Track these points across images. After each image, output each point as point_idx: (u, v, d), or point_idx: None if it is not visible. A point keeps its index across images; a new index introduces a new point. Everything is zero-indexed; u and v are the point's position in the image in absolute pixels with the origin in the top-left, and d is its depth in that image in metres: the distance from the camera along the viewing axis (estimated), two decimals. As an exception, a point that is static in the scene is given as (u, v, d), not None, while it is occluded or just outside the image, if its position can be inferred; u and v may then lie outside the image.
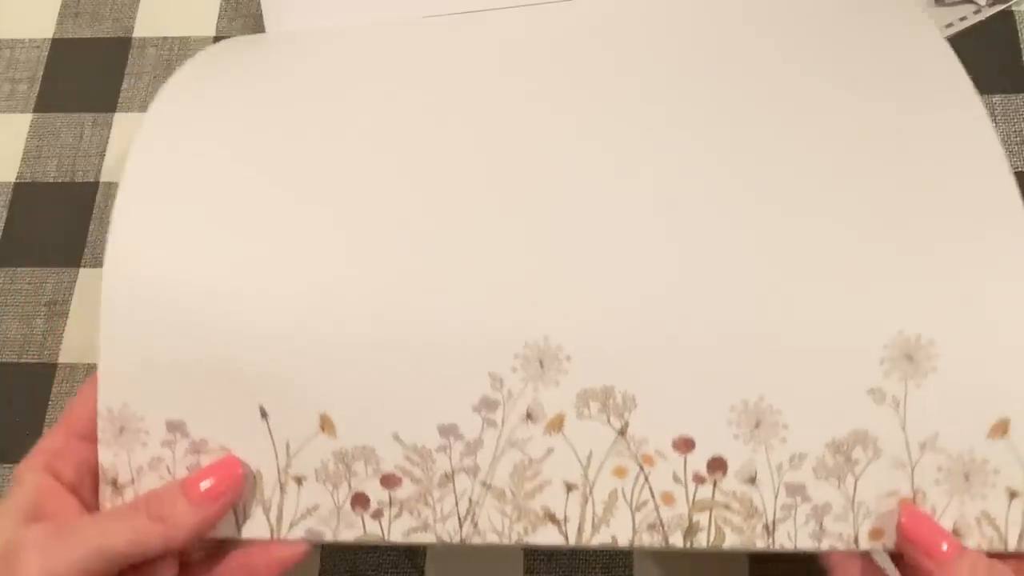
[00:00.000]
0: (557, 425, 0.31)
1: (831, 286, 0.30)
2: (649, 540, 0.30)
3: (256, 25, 0.50)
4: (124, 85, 0.50)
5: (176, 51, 0.51)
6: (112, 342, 0.32)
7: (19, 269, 0.47)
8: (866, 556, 0.30)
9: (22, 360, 0.45)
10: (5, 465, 0.43)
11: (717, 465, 0.30)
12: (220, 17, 0.52)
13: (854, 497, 0.30)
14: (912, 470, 0.30)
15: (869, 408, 0.30)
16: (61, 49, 0.52)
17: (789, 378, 0.30)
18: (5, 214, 0.48)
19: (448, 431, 0.31)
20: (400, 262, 0.32)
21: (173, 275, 0.32)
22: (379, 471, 0.31)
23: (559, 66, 0.36)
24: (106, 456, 0.32)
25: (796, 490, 0.30)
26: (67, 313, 0.46)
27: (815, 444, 0.30)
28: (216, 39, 0.51)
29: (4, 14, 0.53)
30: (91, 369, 0.44)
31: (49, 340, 0.45)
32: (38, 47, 0.52)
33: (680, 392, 0.30)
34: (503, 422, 0.31)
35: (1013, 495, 0.29)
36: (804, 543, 0.30)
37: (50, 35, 0.52)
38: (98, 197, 0.48)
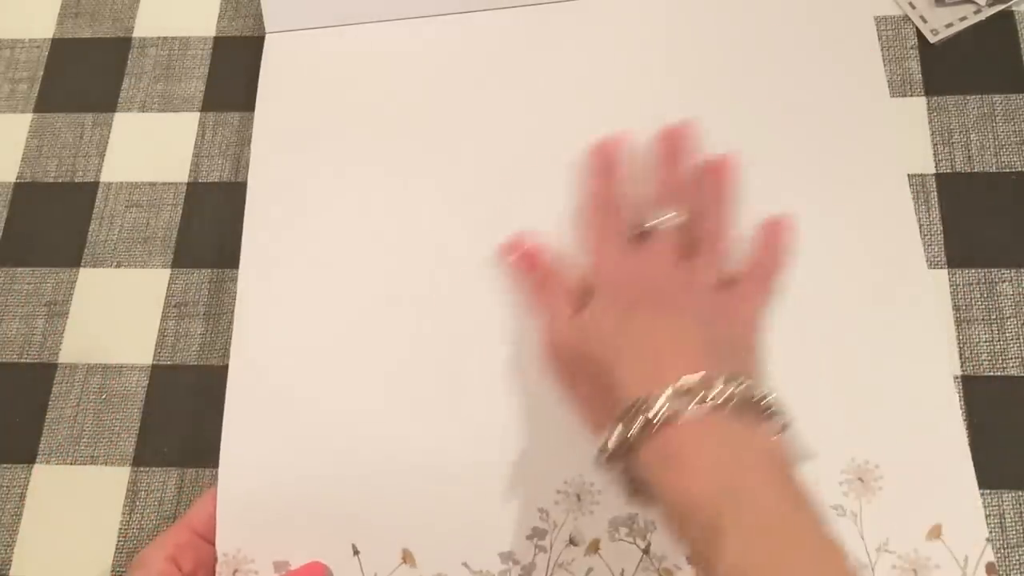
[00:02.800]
0: (594, 547, 0.39)
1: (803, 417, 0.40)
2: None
3: (256, 25, 0.51)
4: (124, 85, 0.51)
5: (176, 51, 0.51)
6: (229, 486, 0.40)
7: (19, 269, 0.47)
8: None
9: (22, 360, 0.45)
10: (5, 465, 0.43)
11: None
12: (220, 17, 0.52)
13: None
14: (873, 569, 0.38)
15: (834, 520, 0.38)
16: (61, 49, 0.52)
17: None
18: (5, 214, 0.48)
19: (507, 557, 0.39)
20: (466, 419, 0.41)
21: (291, 401, 0.41)
22: (452, 594, 0.38)
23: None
24: (217, 595, 0.39)
25: None
26: (67, 313, 0.46)
27: None
28: (216, 39, 0.51)
29: (4, 14, 0.53)
30: (91, 369, 0.44)
31: (49, 340, 0.45)
32: (38, 47, 0.52)
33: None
34: (551, 547, 0.39)
35: (953, 586, 0.38)
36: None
37: (50, 35, 0.52)
38: (98, 197, 0.48)
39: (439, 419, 0.41)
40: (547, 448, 0.40)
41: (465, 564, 0.39)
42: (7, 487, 0.43)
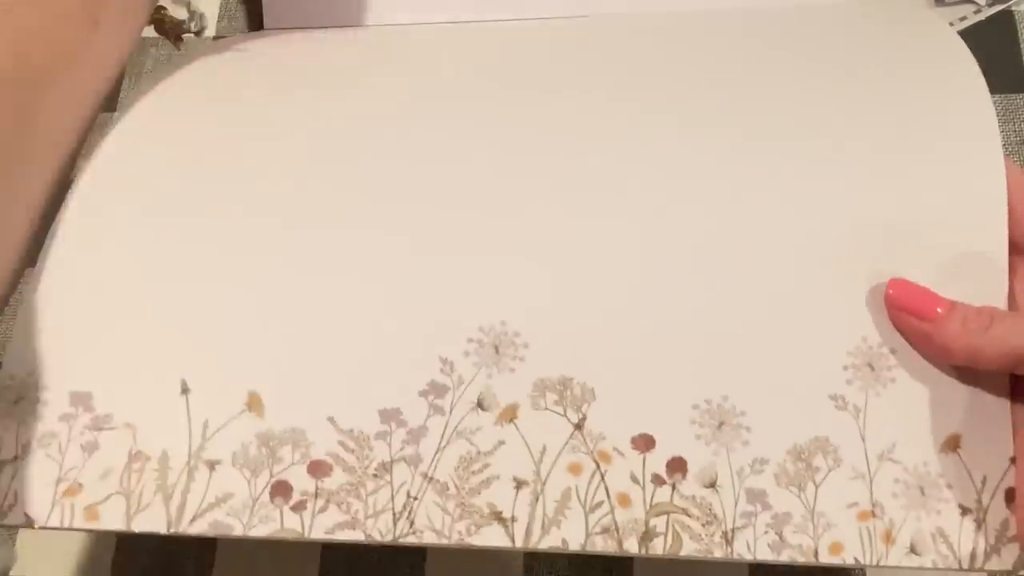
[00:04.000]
0: (510, 415, 0.29)
1: (801, 288, 0.30)
2: (602, 545, 0.28)
3: (256, 26, 0.49)
4: (124, 85, 0.49)
5: (176, 51, 0.50)
6: (30, 309, 0.28)
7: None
8: None
9: None
10: None
11: (677, 466, 0.28)
12: (220, 17, 0.51)
13: (814, 507, 0.28)
14: (871, 481, 0.29)
15: (831, 414, 0.29)
16: None
17: (754, 379, 0.29)
18: None
19: (390, 416, 0.28)
20: (348, 237, 0.30)
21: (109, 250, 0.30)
22: (307, 457, 0.28)
23: (536, 71, 0.36)
24: (-14, 427, 0.28)
25: (756, 497, 0.28)
26: None
27: (777, 449, 0.29)
28: (216, 39, 0.50)
29: None
30: None
31: None
32: None
33: (642, 387, 0.29)
34: (451, 409, 0.29)
35: (964, 512, 0.29)
36: (763, 554, 0.28)
37: None
38: None
39: (307, 230, 0.30)
40: (460, 279, 0.30)
41: (331, 419, 0.28)
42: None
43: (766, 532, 0.28)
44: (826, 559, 0.28)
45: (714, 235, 0.31)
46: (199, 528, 0.27)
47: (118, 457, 0.28)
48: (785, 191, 0.31)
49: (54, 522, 0.27)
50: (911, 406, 0.29)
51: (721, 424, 0.29)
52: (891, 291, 0.29)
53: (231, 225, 0.30)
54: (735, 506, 0.28)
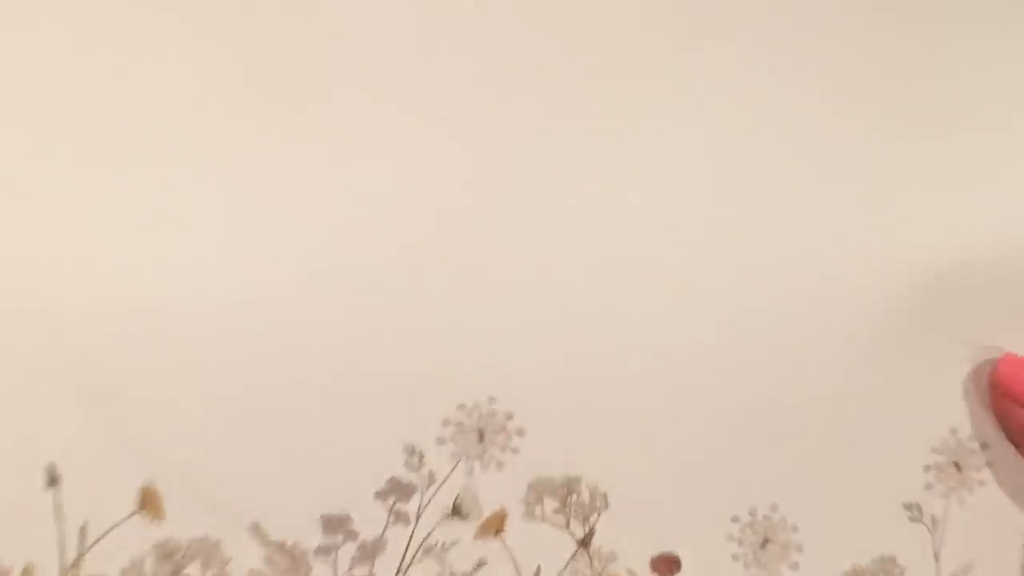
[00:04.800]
0: (496, 526, 0.22)
1: (874, 365, 0.23)
2: None
3: None
4: None
5: None
6: None
7: None
8: None
9: None
10: None
11: (707, 594, 0.22)
12: None
13: None
14: None
15: (902, 527, 0.23)
16: None
17: (810, 484, 0.23)
18: None
19: (336, 525, 0.21)
20: (293, 272, 0.22)
21: None
22: (224, 577, 0.21)
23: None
24: None
25: (803, 633, 0.22)
26: None
27: (832, 573, 0.23)
28: None
29: None
30: None
31: None
32: None
33: (667, 493, 0.22)
34: (418, 517, 0.21)
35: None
36: None
37: None
38: None
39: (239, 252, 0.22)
40: (436, 342, 0.22)
41: (255, 527, 0.21)
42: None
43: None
44: None
45: (760, 298, 0.23)
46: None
47: (-37, 572, 0.20)
48: (850, 230, 0.24)
49: None
50: (999, 516, 0.23)
51: (766, 542, 0.22)
52: (1001, 369, 0.23)
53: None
54: (775, 644, 0.22)
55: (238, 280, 0.21)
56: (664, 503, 0.22)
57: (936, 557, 0.23)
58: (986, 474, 0.23)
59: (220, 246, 0.21)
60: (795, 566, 0.22)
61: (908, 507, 0.23)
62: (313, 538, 0.21)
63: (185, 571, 0.21)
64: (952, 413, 0.23)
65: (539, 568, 0.22)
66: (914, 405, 0.23)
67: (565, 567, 0.22)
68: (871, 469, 0.23)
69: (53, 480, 0.21)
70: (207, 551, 0.21)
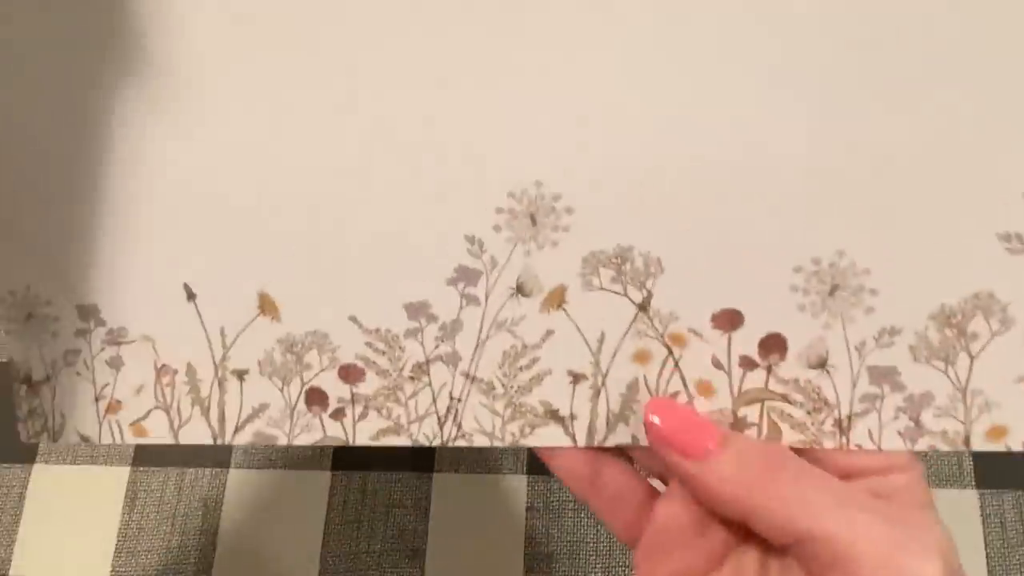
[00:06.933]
0: (557, 300, 0.23)
1: (957, 84, 0.21)
2: (681, 441, 0.23)
3: None
4: None
5: None
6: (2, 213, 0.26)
7: None
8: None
9: None
10: (5, 465, 0.43)
11: (773, 345, 0.22)
12: None
13: (967, 384, 0.22)
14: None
15: (1000, 260, 0.21)
16: None
17: (882, 224, 0.21)
18: None
19: (418, 311, 0.24)
20: (346, 101, 0.24)
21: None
22: (336, 361, 0.25)
23: None
24: (15, 349, 0.26)
25: (884, 376, 0.22)
26: None
27: (915, 315, 0.22)
28: None
29: None
30: None
31: None
32: None
33: (722, 250, 0.22)
34: (487, 298, 0.23)
35: None
36: (891, 443, 0.22)
37: None
38: None
39: (302, 97, 0.24)
40: (481, 137, 0.23)
41: (353, 319, 0.24)
42: (7, 487, 0.42)
43: (896, 418, 0.22)
44: (981, 446, 0.22)
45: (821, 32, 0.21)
46: (244, 439, 0.25)
47: (146, 371, 0.26)
48: None
49: (105, 439, 0.26)
50: None
51: (835, 288, 0.22)
52: (651, 416, 0.22)
53: (222, 110, 0.25)
54: (852, 388, 0.22)
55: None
56: (719, 261, 0.22)
57: (1044, 289, 0.21)
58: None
59: None
60: (870, 310, 0.22)
61: (1005, 237, 0.21)
62: (400, 323, 0.24)
63: (305, 359, 0.25)
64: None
65: (603, 334, 0.23)
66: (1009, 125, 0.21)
67: (628, 330, 0.23)
68: (955, 198, 0.21)
69: (191, 295, 0.25)
70: (319, 342, 0.25)
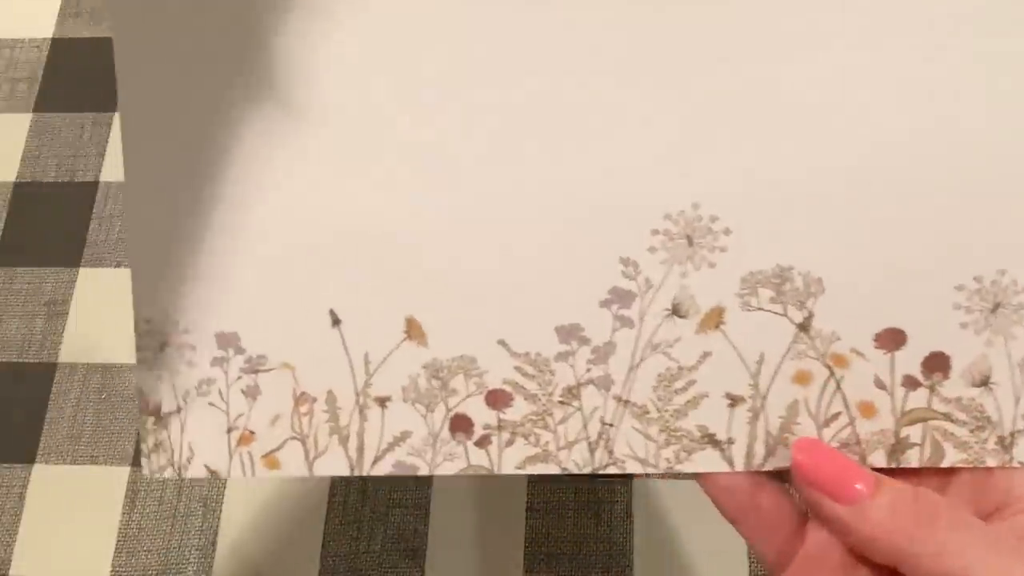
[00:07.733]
0: (715, 321, 0.23)
1: None
2: (843, 463, 0.23)
3: None
4: None
5: None
6: (143, 239, 0.26)
7: (19, 269, 0.46)
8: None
9: (22, 360, 0.45)
10: (4, 465, 0.43)
11: (936, 364, 0.23)
12: None
13: None
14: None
15: None
16: (61, 49, 0.51)
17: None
18: (5, 214, 0.48)
19: (569, 334, 0.24)
20: (499, 125, 0.24)
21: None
22: (483, 387, 0.24)
23: None
24: (146, 380, 0.26)
25: (1048, 393, 0.22)
26: (67, 313, 0.45)
27: None
28: None
29: (4, 14, 0.52)
30: (91, 368, 0.44)
31: (49, 340, 0.45)
32: (38, 47, 0.51)
33: (883, 269, 0.23)
34: (641, 320, 0.24)
35: None
36: (1056, 461, 0.22)
37: (50, 35, 0.51)
38: (98, 197, 0.47)
39: (453, 119, 0.25)
40: (637, 160, 0.24)
41: (502, 342, 0.24)
42: (7, 487, 0.42)
43: (1062, 435, 0.22)
44: None
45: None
46: (382, 470, 0.25)
47: (283, 400, 0.25)
48: None
49: (235, 473, 0.26)
50: None
51: (997, 306, 0.22)
52: (799, 457, 0.22)
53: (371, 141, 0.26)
54: (1016, 405, 0.22)
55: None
56: (880, 280, 0.22)
57: None
58: None
59: None
60: (1034, 327, 0.22)
61: None
62: (551, 347, 0.24)
63: (451, 385, 0.25)
64: None
65: (761, 355, 0.23)
66: None
67: (787, 351, 0.23)
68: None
69: (336, 321, 0.25)
70: (466, 366, 0.25)
